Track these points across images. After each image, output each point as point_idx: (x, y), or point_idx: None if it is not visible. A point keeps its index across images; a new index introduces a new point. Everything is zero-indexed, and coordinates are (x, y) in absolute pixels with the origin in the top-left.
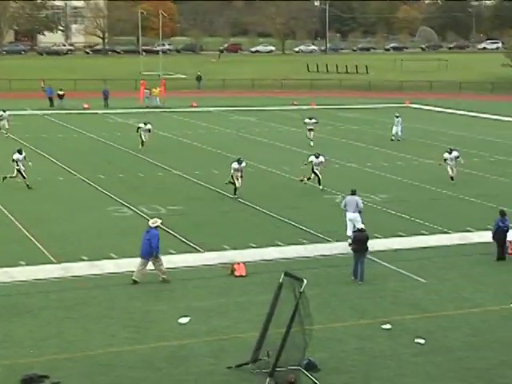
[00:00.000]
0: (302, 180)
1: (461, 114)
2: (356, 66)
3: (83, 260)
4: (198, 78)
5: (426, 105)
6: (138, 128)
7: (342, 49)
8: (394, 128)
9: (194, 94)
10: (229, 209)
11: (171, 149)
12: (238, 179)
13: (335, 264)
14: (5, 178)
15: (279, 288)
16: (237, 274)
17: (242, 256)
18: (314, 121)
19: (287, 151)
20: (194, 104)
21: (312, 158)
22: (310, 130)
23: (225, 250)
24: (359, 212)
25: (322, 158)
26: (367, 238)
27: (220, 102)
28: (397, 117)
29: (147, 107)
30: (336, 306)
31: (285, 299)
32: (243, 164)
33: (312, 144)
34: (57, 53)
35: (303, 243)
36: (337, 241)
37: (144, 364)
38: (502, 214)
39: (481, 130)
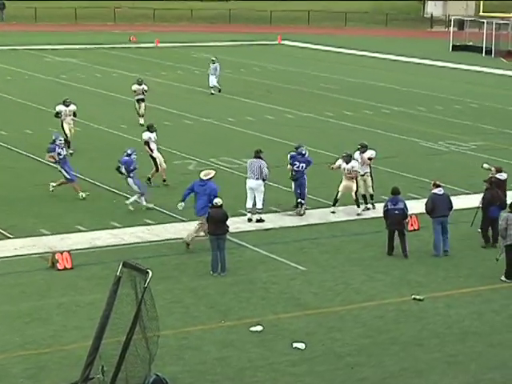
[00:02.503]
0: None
1: (347, 54)
2: None
3: None
4: (0, 7)
5: (303, 42)
6: (57, 114)
7: None
8: (211, 78)
9: None
10: (48, 181)
11: None
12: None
13: (190, 250)
14: (149, 178)
15: (116, 283)
16: (60, 266)
17: (67, 243)
18: (144, 87)
19: (125, 103)
20: None
21: (340, 163)
22: (140, 100)
23: (43, 235)
24: (263, 180)
25: (354, 163)
26: (226, 217)
27: (31, 39)
28: (213, 62)
29: None
30: (191, 304)
31: (124, 297)
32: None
33: (142, 121)
34: None
35: (148, 223)
36: (190, 220)
37: None
38: (394, 192)
39: (372, 74)
